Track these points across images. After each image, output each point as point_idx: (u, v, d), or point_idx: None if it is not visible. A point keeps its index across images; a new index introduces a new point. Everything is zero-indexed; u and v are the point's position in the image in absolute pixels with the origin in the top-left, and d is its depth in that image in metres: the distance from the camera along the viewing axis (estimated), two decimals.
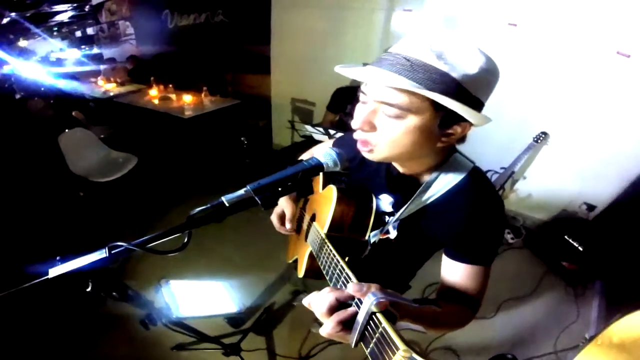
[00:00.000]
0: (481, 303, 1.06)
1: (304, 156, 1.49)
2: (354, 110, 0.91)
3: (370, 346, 0.59)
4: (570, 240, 3.12)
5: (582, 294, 3.00)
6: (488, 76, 0.81)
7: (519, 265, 3.37)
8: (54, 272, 0.76)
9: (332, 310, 0.66)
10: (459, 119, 0.82)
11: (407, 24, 3.81)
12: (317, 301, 0.69)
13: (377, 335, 0.57)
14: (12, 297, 0.74)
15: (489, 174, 3.53)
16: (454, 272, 1.04)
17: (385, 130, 0.85)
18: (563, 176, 3.49)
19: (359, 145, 0.92)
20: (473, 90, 0.79)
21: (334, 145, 1.34)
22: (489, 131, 3.40)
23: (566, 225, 3.29)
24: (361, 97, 0.88)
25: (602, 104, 3.05)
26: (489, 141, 3.52)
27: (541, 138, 3.36)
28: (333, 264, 0.87)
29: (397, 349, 0.51)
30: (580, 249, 3.04)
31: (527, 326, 2.76)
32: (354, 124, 0.88)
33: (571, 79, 3.12)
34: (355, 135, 0.91)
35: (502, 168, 3.54)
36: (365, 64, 0.88)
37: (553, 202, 3.62)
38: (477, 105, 0.82)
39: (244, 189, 0.81)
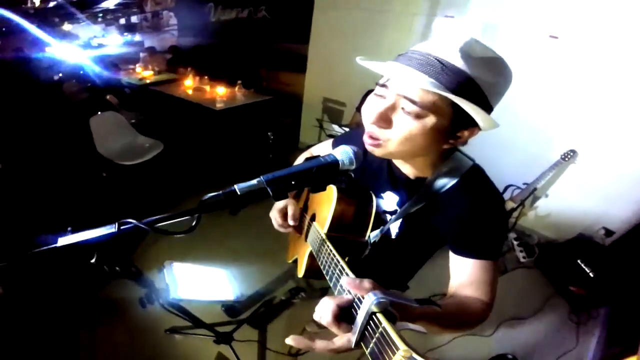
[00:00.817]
0: (493, 298, 1.04)
1: (303, 155, 1.48)
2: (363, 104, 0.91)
3: (370, 346, 0.59)
4: (583, 265, 3.03)
5: (585, 321, 2.91)
6: (505, 84, 0.84)
7: (526, 285, 3.30)
8: (62, 241, 0.78)
9: (336, 317, 0.67)
10: (469, 124, 0.84)
11: (447, 30, 3.75)
12: (320, 311, 0.69)
13: (377, 335, 0.58)
14: (21, 265, 0.75)
15: (510, 189, 3.48)
16: (462, 268, 1.03)
17: (400, 127, 0.84)
18: (586, 198, 3.39)
19: (366, 139, 0.91)
20: (489, 97, 0.81)
21: (335, 143, 1.36)
22: (516, 144, 3.38)
23: (581, 249, 3.20)
24: (379, 90, 0.88)
25: (636, 126, 2.95)
26: (515, 154, 3.49)
27: (569, 156, 3.26)
28: (333, 264, 0.87)
29: (397, 349, 0.52)
30: (592, 275, 2.95)
31: (524, 348, 2.70)
32: (368, 117, 0.87)
33: (607, 98, 3.01)
34: (367, 128, 0.90)
35: (524, 184, 3.45)
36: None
37: (571, 224, 3.53)
38: (489, 110, 0.83)
39: (257, 179, 0.81)
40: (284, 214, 1.32)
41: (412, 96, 0.80)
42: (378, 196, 1.14)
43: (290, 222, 1.28)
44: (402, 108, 0.83)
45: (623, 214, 3.19)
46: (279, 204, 1.32)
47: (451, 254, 1.06)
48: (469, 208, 0.98)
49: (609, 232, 3.24)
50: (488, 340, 2.72)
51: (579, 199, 3.44)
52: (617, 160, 3.11)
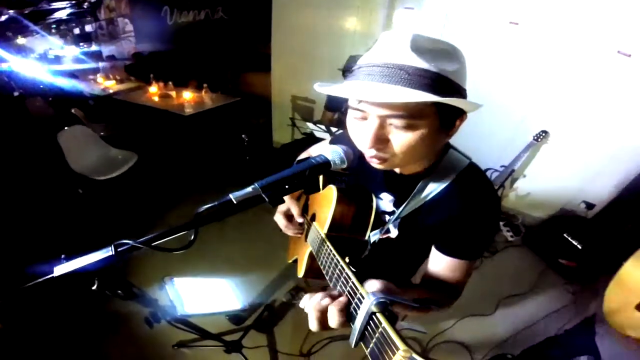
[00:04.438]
0: (462, 291, 1.11)
1: (302, 156, 1.47)
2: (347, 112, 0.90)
3: (370, 346, 0.59)
4: (569, 238, 3.13)
5: (580, 291, 3.02)
6: (464, 65, 0.83)
7: (518, 263, 3.40)
8: (59, 270, 0.76)
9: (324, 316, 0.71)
10: (457, 114, 0.84)
11: (407, 22, 3.79)
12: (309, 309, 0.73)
13: (377, 335, 0.58)
14: (17, 295, 0.74)
15: (488, 172, 3.56)
16: (438, 262, 1.08)
17: (399, 143, 0.83)
18: (563, 175, 3.50)
19: (371, 160, 0.90)
20: (460, 82, 0.81)
21: (332, 142, 1.34)
22: (490, 129, 3.43)
23: (565, 224, 3.31)
24: (356, 113, 0.86)
25: (602, 103, 3.05)
26: (489, 139, 3.54)
27: (541, 136, 3.36)
28: (333, 264, 0.87)
29: (397, 349, 0.52)
30: (579, 247, 3.06)
31: (526, 323, 2.77)
32: (363, 144, 0.85)
33: (572, 78, 3.12)
34: (368, 153, 0.89)
35: (502, 166, 3.55)
36: (345, 75, 0.87)
37: (552, 201, 3.64)
38: (465, 94, 0.83)
39: (252, 186, 0.80)
40: (288, 215, 1.33)
41: (396, 111, 0.78)
42: (376, 197, 1.14)
43: (299, 220, 1.28)
44: (391, 124, 0.81)
45: (601, 188, 3.31)
46: (281, 207, 1.32)
47: (432, 247, 1.10)
48: (463, 209, 0.98)
49: (589, 205, 3.35)
50: (490, 319, 2.80)
51: (557, 176, 3.55)
52: (589, 137, 3.22)
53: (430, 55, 0.77)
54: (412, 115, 0.78)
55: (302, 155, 1.48)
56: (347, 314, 0.69)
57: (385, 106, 0.79)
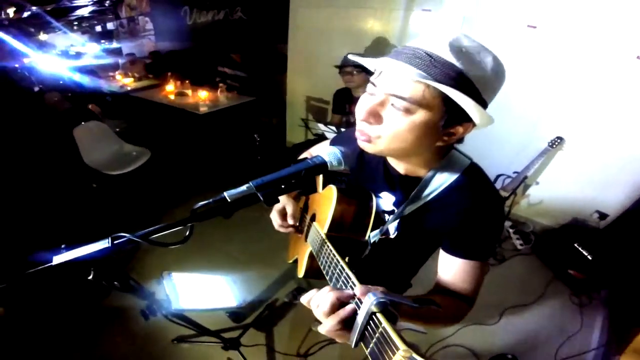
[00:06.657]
0: (476, 297, 1.07)
1: (303, 156, 1.48)
2: (354, 108, 0.91)
3: (370, 346, 0.59)
4: (580, 249, 3.07)
5: (587, 303, 2.95)
6: (497, 80, 0.83)
7: (526, 272, 3.34)
8: (57, 259, 0.77)
9: (334, 309, 0.68)
10: (462, 119, 0.82)
11: (425, 24, 3.77)
12: (318, 300, 0.70)
13: (377, 335, 0.57)
14: (18, 286, 0.75)
15: (500, 178, 3.52)
16: (450, 266, 1.05)
17: (390, 123, 0.84)
18: (576, 183, 3.42)
19: (357, 134, 0.91)
20: (482, 92, 0.80)
21: (333, 142, 1.35)
22: (504, 134, 3.38)
23: (576, 233, 3.24)
24: (370, 88, 0.87)
25: (620, 110, 2.98)
26: (503, 144, 3.49)
27: (556, 143, 3.30)
28: (333, 264, 0.87)
29: (397, 349, 0.51)
30: (590, 258, 2.99)
31: (529, 334, 2.73)
32: (359, 114, 0.87)
33: (589, 84, 3.06)
34: (357, 126, 0.91)
35: (514, 172, 3.49)
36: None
37: (565, 209, 3.56)
38: (483, 106, 0.82)
39: (247, 185, 0.81)
40: (283, 214, 1.33)
41: (400, 91, 0.79)
42: (376, 196, 1.13)
43: (290, 222, 1.29)
44: (392, 104, 0.82)
45: (615, 198, 3.23)
46: (277, 205, 1.32)
47: (441, 250, 1.08)
48: (465, 209, 0.98)
49: (602, 216, 3.28)
50: (493, 329, 2.75)
51: (570, 184, 3.48)
52: (605, 145, 3.15)
53: (464, 54, 0.78)
54: (414, 100, 0.79)
55: (303, 155, 1.47)
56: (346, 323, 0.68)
57: (394, 84, 0.81)
